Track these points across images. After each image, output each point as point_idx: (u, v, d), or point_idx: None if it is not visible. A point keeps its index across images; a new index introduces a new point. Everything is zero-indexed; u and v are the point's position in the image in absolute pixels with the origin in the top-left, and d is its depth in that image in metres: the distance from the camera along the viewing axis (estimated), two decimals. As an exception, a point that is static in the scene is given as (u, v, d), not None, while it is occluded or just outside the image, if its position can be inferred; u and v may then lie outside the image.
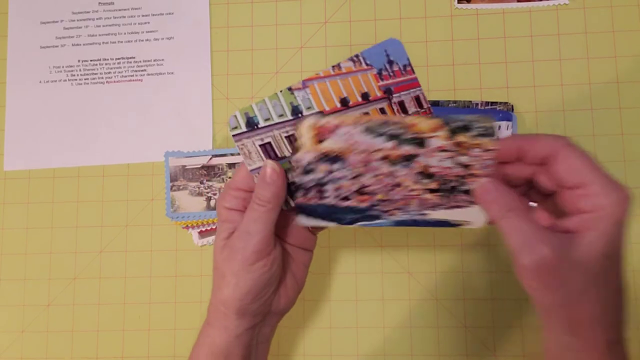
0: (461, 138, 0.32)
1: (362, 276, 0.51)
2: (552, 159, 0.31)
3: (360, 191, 0.34)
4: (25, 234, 0.54)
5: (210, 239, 0.52)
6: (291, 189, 0.35)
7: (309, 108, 0.35)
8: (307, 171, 0.34)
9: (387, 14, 0.53)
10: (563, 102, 0.51)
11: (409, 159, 0.33)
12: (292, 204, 0.36)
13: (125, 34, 0.56)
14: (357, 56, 0.34)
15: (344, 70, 0.35)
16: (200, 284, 0.52)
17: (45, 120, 0.55)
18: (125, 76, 0.55)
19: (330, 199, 0.35)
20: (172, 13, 0.56)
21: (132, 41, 0.55)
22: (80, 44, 0.56)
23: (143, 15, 0.56)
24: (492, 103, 0.50)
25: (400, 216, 0.34)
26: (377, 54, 0.35)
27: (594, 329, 0.30)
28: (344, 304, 0.51)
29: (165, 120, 0.54)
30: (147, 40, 0.55)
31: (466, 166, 0.33)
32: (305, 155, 0.34)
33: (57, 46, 0.56)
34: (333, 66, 0.35)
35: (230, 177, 0.49)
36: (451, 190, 0.33)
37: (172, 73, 0.55)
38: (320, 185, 0.34)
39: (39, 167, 0.54)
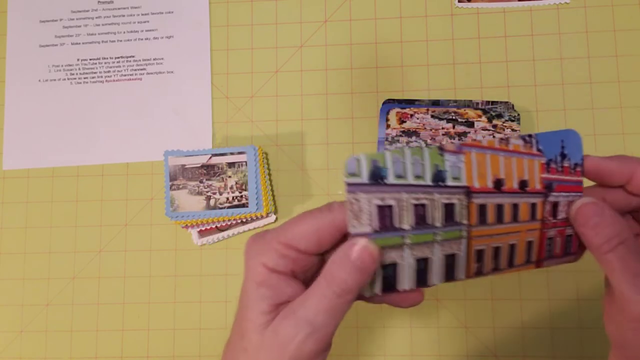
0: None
1: (362, 276, 0.51)
2: None
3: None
4: (24, 233, 0.54)
5: (210, 238, 0.51)
6: (388, 272, 0.27)
7: (455, 179, 0.27)
8: None
9: (388, 13, 0.53)
10: (564, 102, 0.51)
11: None
12: (378, 290, 0.27)
13: (124, 32, 0.55)
14: (530, 136, 0.28)
15: (510, 147, 0.28)
16: (200, 283, 0.52)
17: (45, 119, 0.55)
18: (125, 75, 0.55)
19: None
20: (172, 12, 0.55)
21: (131, 40, 0.55)
22: (79, 43, 0.56)
23: (142, 14, 0.56)
24: (493, 102, 0.50)
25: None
26: (552, 141, 0.29)
27: None
28: (344, 304, 0.50)
29: (165, 119, 0.54)
30: (146, 39, 0.55)
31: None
32: None
33: (56, 45, 0.56)
34: (500, 139, 0.28)
35: (230, 177, 0.49)
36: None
37: (172, 72, 0.55)
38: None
39: (38, 166, 0.54)
